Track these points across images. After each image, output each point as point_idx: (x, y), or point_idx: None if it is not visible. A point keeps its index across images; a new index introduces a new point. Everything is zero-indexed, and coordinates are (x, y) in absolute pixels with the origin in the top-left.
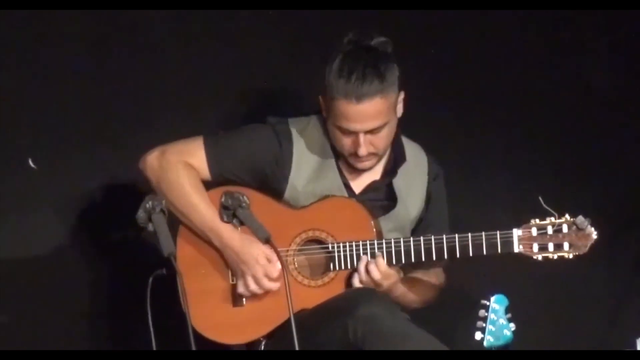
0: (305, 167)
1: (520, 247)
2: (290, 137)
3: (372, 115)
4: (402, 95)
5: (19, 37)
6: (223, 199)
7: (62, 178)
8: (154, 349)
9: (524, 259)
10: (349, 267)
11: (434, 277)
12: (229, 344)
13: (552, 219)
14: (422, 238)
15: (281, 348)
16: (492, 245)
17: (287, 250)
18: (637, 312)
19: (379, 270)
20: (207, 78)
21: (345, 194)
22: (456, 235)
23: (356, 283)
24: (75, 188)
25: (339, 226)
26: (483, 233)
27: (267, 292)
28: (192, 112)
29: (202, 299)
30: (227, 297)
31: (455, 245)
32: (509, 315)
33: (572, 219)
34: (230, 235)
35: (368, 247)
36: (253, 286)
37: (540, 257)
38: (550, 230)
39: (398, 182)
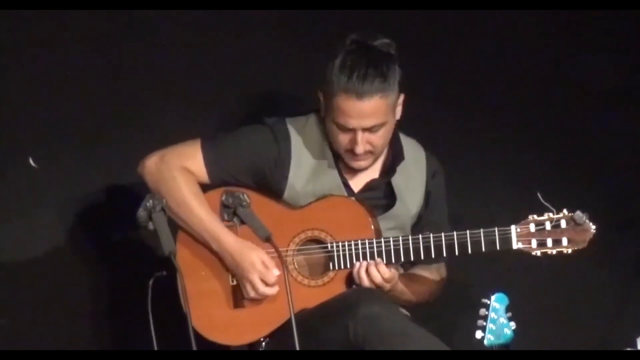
0: (304, 167)
1: (519, 243)
2: (288, 137)
3: (371, 113)
4: (402, 98)
5: (19, 37)
6: (224, 198)
7: (63, 178)
8: (155, 349)
9: (524, 257)
10: (348, 266)
11: (435, 271)
12: (229, 345)
13: (550, 214)
14: (420, 236)
15: (282, 348)
16: (490, 242)
17: (287, 250)
18: (639, 311)
19: (380, 273)
20: (208, 79)
21: (345, 193)
22: (454, 233)
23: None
24: (76, 188)
25: (338, 225)
26: (481, 230)
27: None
28: (193, 113)
29: (203, 300)
30: (227, 298)
31: (454, 243)
32: (510, 314)
33: (570, 214)
34: (228, 240)
35: (367, 246)
36: (251, 293)
37: (539, 253)
38: (548, 225)
39: (397, 181)
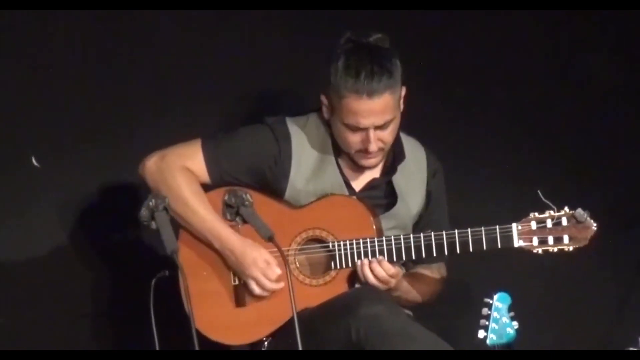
0: (305, 166)
1: (520, 241)
2: (289, 136)
3: (382, 110)
4: (404, 91)
5: (19, 36)
6: (226, 197)
7: (65, 178)
8: (157, 349)
9: (526, 257)
10: (350, 265)
11: (436, 271)
12: (231, 345)
13: (552, 212)
14: (422, 234)
15: (284, 347)
16: (491, 240)
17: (288, 250)
18: None
19: (384, 270)
20: (209, 79)
21: (346, 192)
22: (456, 231)
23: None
24: (78, 188)
25: (340, 225)
26: (482, 228)
27: (269, 293)
28: (194, 113)
29: (205, 300)
30: (230, 298)
31: (455, 241)
32: (512, 313)
33: (571, 212)
34: (230, 238)
35: (369, 245)
36: (256, 289)
37: (540, 251)
38: (549, 223)
39: (398, 180)
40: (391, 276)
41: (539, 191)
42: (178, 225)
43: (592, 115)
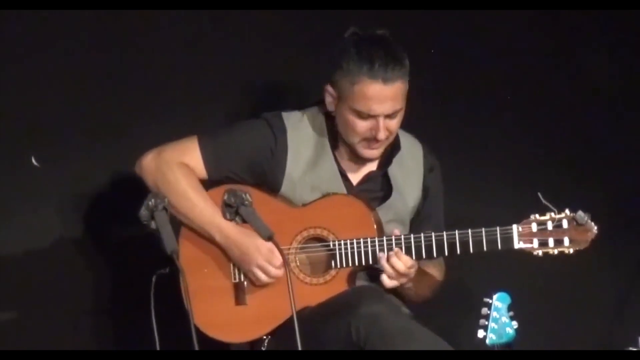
0: (302, 159)
1: (521, 242)
2: (285, 130)
3: (394, 97)
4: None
5: (19, 36)
6: (226, 197)
7: (65, 177)
8: (158, 348)
9: (526, 257)
10: (350, 264)
11: (438, 265)
12: (231, 343)
13: (552, 214)
14: (422, 235)
15: (284, 346)
16: (492, 241)
17: (289, 249)
18: None
19: (402, 262)
20: (208, 76)
21: (343, 184)
22: (456, 232)
23: (385, 280)
24: (79, 186)
25: (340, 223)
26: (483, 229)
27: (269, 291)
28: (194, 109)
29: (205, 297)
30: (230, 295)
31: (455, 242)
32: (512, 313)
33: (571, 214)
34: (231, 230)
35: (369, 244)
36: (262, 276)
37: (540, 253)
38: (550, 225)
39: (393, 171)
40: (409, 268)
41: (539, 193)
42: (179, 224)
43: (592, 116)
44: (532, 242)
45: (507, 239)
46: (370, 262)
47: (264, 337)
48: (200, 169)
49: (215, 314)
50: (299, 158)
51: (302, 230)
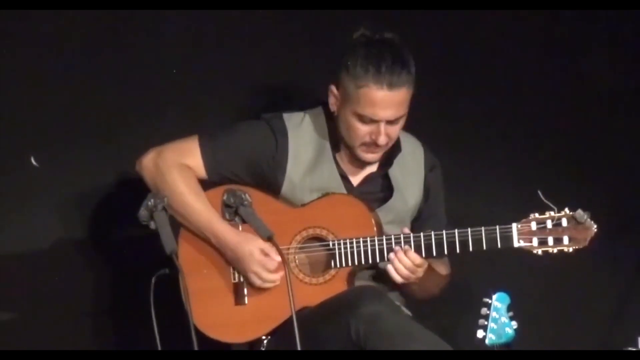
0: (302, 160)
1: (520, 241)
2: (286, 131)
3: (397, 103)
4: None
5: (19, 36)
6: (225, 197)
7: (65, 176)
8: (159, 348)
9: (526, 256)
10: (349, 264)
11: (443, 263)
12: (231, 343)
13: (552, 213)
14: (422, 234)
15: (283, 346)
16: (491, 239)
17: (288, 249)
18: None
19: (411, 259)
20: (210, 76)
21: (343, 186)
22: (456, 231)
23: (394, 276)
24: (78, 186)
25: (340, 223)
26: (482, 228)
27: (269, 291)
28: (195, 109)
29: (205, 298)
30: (229, 296)
31: (455, 241)
32: (511, 313)
33: (571, 213)
34: (226, 233)
35: (369, 243)
36: (257, 281)
37: (540, 252)
38: (549, 224)
39: (394, 173)
40: (418, 266)
41: (539, 191)
42: (178, 224)
43: (592, 115)
44: (531, 241)
45: (507, 238)
46: (370, 261)
47: (263, 337)
48: (200, 170)
49: (215, 315)
50: (299, 160)
51: (302, 230)
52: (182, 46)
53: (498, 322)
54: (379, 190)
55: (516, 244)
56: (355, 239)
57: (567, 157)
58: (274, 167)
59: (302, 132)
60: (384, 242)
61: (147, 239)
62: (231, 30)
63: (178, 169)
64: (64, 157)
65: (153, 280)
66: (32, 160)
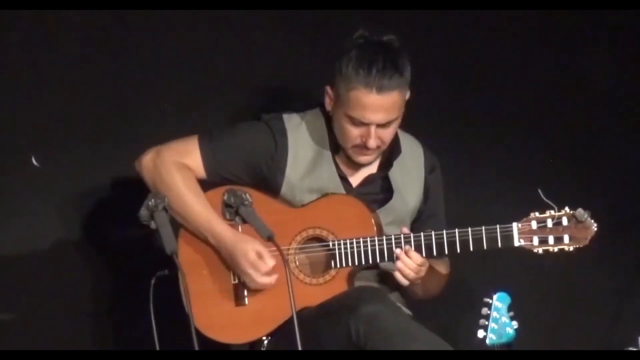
0: (301, 161)
1: (521, 240)
2: (285, 132)
3: (388, 107)
4: (408, 94)
5: (20, 36)
6: (226, 197)
7: (65, 176)
8: (157, 349)
9: (526, 257)
10: (349, 264)
11: (443, 264)
12: (231, 344)
13: (552, 212)
14: (422, 234)
15: (283, 347)
16: (492, 239)
17: (288, 249)
18: None
19: (413, 259)
20: (209, 76)
21: (342, 187)
22: (456, 230)
23: (401, 280)
24: (78, 187)
25: (340, 223)
26: (483, 227)
27: (269, 291)
28: (194, 110)
29: (205, 299)
30: (229, 296)
31: (455, 240)
32: (512, 313)
33: (571, 212)
34: (224, 234)
35: (369, 243)
36: (250, 283)
37: (540, 251)
38: (550, 223)
39: (394, 174)
40: (420, 265)
41: (539, 190)
42: (178, 225)
43: (592, 115)
44: (532, 240)
45: (507, 237)
46: (371, 261)
47: (264, 338)
48: (200, 170)
49: (215, 316)
50: (298, 161)
51: (302, 230)
52: (182, 46)
53: (499, 322)
54: (378, 191)
55: (517, 243)
56: (356, 239)
57: (567, 157)
58: (273, 168)
59: (301, 133)
60: (384, 242)
61: (147, 240)
62: (231, 30)
63: (177, 169)
64: (64, 157)
65: (153, 281)
66: (33, 160)
